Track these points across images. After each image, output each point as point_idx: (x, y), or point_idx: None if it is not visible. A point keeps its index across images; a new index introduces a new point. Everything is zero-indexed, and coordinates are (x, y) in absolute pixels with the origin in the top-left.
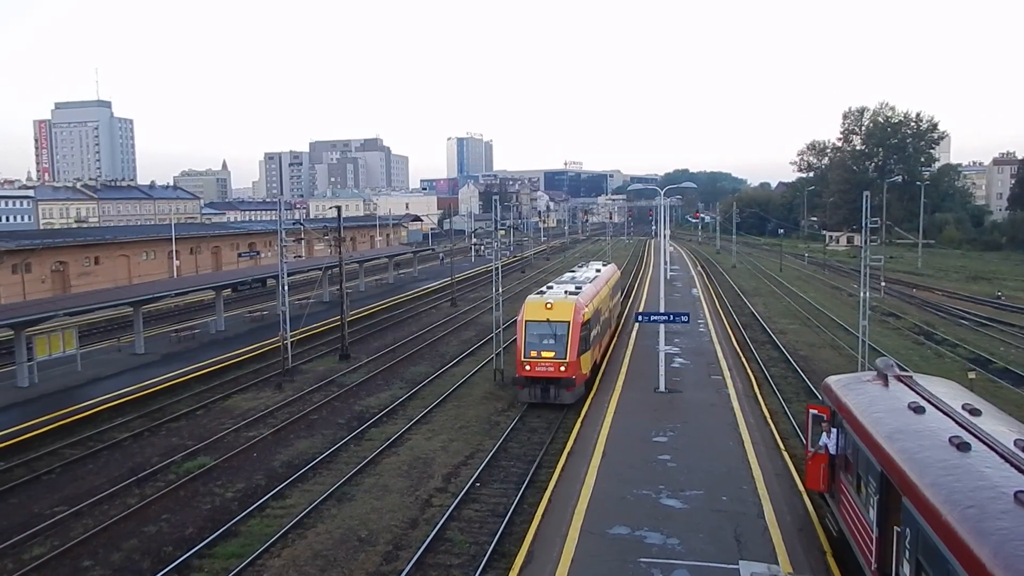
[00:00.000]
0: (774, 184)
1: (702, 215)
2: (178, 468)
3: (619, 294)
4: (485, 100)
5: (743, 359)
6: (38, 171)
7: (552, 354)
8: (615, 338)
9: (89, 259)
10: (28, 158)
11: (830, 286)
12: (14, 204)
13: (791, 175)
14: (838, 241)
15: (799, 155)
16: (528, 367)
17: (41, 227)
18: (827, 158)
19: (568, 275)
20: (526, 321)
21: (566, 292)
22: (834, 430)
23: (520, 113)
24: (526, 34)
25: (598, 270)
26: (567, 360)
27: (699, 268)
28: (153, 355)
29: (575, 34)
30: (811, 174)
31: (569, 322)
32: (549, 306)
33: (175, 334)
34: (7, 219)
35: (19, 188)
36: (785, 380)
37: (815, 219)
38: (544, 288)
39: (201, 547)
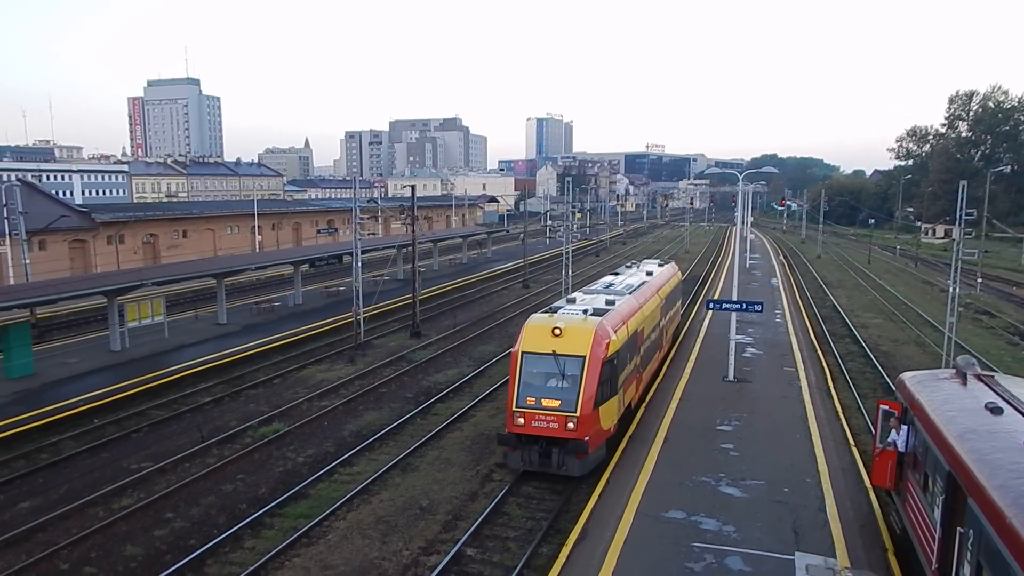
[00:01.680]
0: (868, 172)
1: (788, 202)
2: (254, 432)
3: (678, 303)
4: (566, 80)
5: (819, 352)
6: (132, 147)
7: (557, 403)
8: (672, 353)
9: (178, 232)
10: (123, 134)
11: (921, 280)
12: (110, 178)
13: (887, 163)
14: (933, 233)
15: (898, 141)
16: (521, 419)
17: (134, 200)
18: (928, 145)
19: (607, 280)
20: (523, 353)
21: (588, 311)
22: (904, 427)
23: (602, 94)
24: (609, 13)
25: (649, 273)
26: (578, 413)
27: (781, 257)
28: (234, 325)
29: (661, 12)
30: (910, 162)
31: (585, 357)
32: (558, 332)
33: (255, 306)
34: (104, 192)
35: (114, 163)
36: (862, 375)
37: (911, 210)
38: (565, 301)
39: (273, 506)
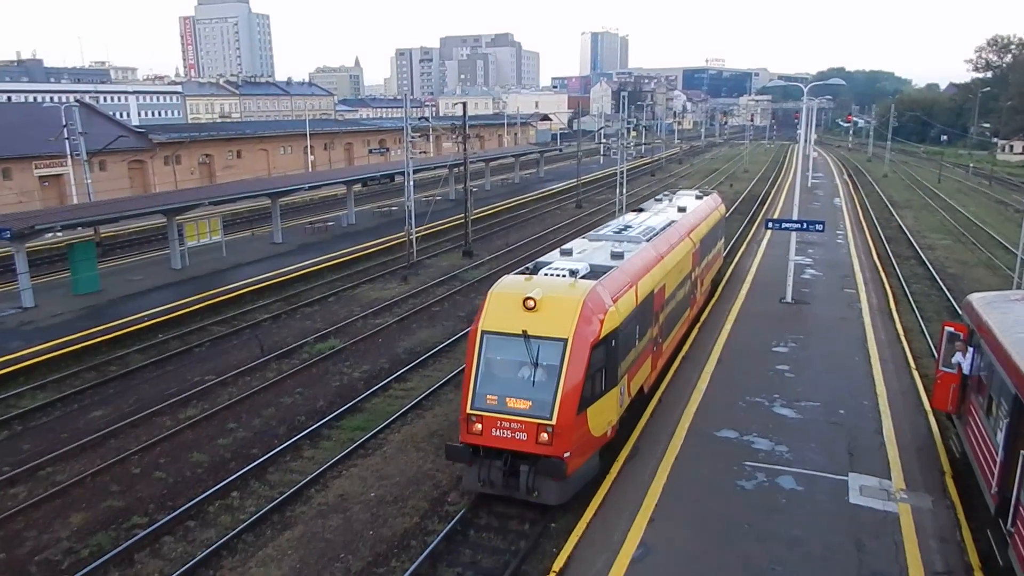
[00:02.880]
0: (943, 86)
1: (855, 118)
2: (311, 348)
3: (719, 244)
4: None
5: (882, 274)
6: (184, 67)
7: (527, 404)
8: (711, 303)
9: (232, 152)
10: (175, 54)
11: (995, 200)
12: (164, 99)
13: (964, 75)
14: (1011, 150)
15: (976, 52)
16: (479, 426)
17: (189, 121)
18: (1011, 55)
19: (624, 220)
20: (483, 333)
21: (578, 272)
22: (970, 349)
23: (659, 6)
24: None
25: (682, 209)
26: (554, 420)
27: (845, 176)
28: (289, 245)
29: None
30: (989, 74)
31: (567, 341)
32: (531, 304)
33: (309, 226)
34: (159, 113)
35: (168, 84)
36: (927, 298)
37: (987, 126)
38: (558, 254)
39: (330, 419)
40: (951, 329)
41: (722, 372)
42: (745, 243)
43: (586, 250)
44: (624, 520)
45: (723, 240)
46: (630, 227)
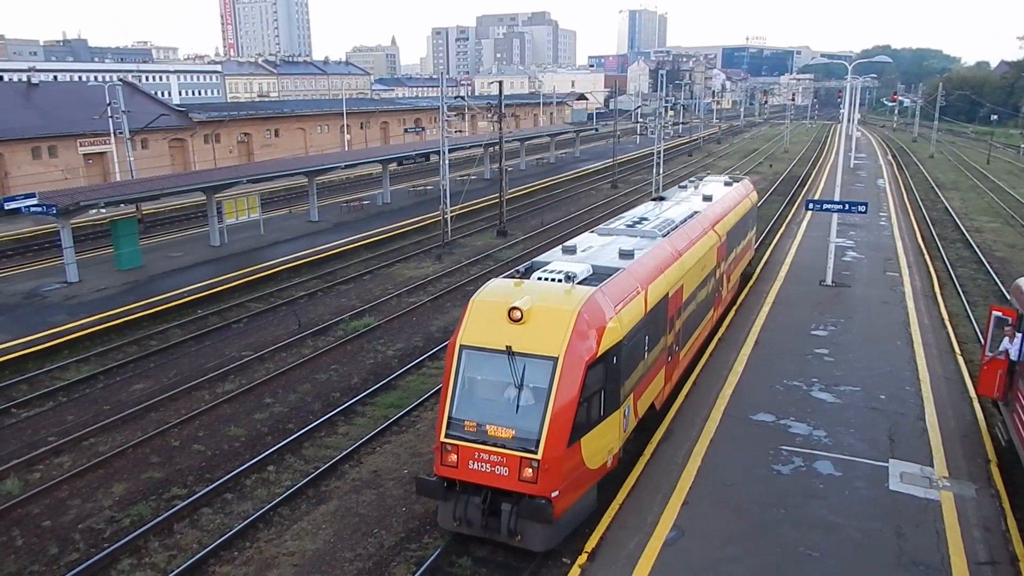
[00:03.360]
0: (994, 64)
1: (900, 97)
2: (346, 326)
3: (749, 235)
4: None
5: (927, 256)
6: (224, 46)
7: (509, 433)
8: (740, 299)
9: (270, 131)
10: (215, 34)
11: None
12: (204, 78)
13: (1017, 53)
14: None
15: None
16: (454, 456)
17: (228, 100)
18: None
19: (641, 210)
20: (462, 348)
21: (575, 276)
22: (1019, 334)
23: None
24: None
25: (708, 198)
26: (540, 454)
27: (890, 157)
28: (325, 223)
29: None
30: None
31: (557, 360)
32: (518, 315)
33: (345, 204)
34: (199, 92)
35: (208, 63)
36: (973, 282)
37: None
38: (560, 252)
39: (364, 395)
40: (999, 314)
41: (759, 355)
42: (784, 224)
43: (592, 247)
44: (657, 502)
45: (754, 230)
46: (646, 219)
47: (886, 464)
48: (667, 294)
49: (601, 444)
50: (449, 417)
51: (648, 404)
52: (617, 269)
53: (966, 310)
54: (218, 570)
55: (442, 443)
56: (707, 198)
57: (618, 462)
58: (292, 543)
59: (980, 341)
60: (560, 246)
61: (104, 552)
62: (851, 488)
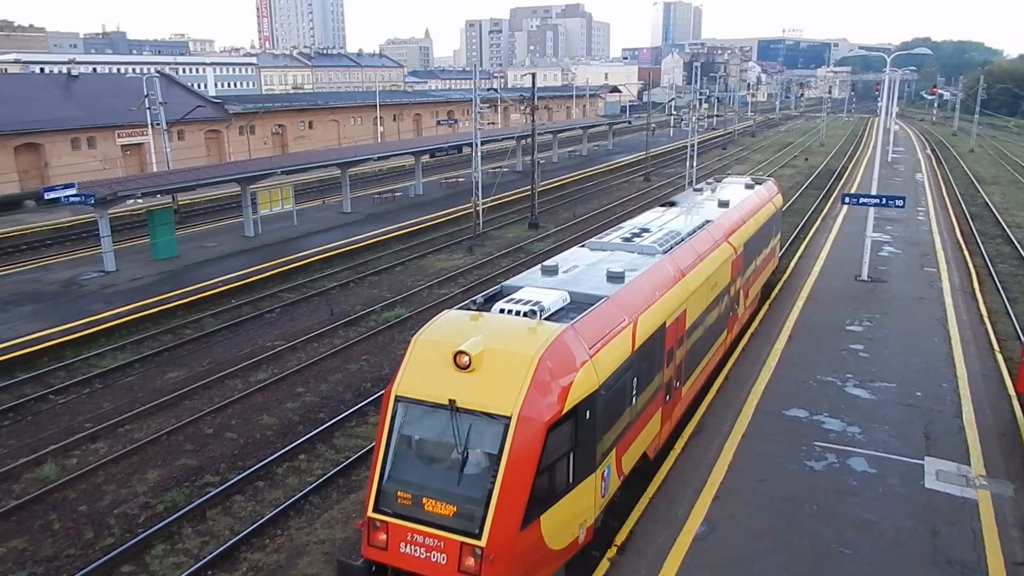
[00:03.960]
0: None
1: (940, 91)
2: (377, 316)
3: (772, 243)
4: None
5: (965, 252)
6: (259, 39)
7: (450, 511)
8: (760, 315)
9: (304, 123)
10: (251, 26)
11: None
12: (240, 71)
13: None
14: None
15: None
16: (382, 536)
17: (263, 92)
18: None
19: (646, 218)
20: (397, 399)
21: (541, 308)
22: None
23: None
24: None
25: (724, 203)
26: (483, 539)
27: (928, 151)
28: (358, 214)
29: None
30: None
31: (510, 420)
32: (465, 360)
33: (378, 196)
34: (235, 84)
35: (244, 56)
36: (1013, 278)
37: None
38: (539, 272)
39: None
40: None
41: (792, 350)
42: (820, 219)
43: (577, 266)
44: (688, 496)
45: (779, 237)
46: (647, 231)
47: (922, 462)
48: (664, 323)
49: (568, 519)
50: (379, 486)
51: (638, 457)
52: (600, 297)
53: (1006, 307)
54: (249, 557)
55: (370, 518)
56: (723, 203)
57: (592, 535)
58: (323, 531)
59: (1020, 338)
60: (540, 265)
61: (138, 537)
62: (885, 485)
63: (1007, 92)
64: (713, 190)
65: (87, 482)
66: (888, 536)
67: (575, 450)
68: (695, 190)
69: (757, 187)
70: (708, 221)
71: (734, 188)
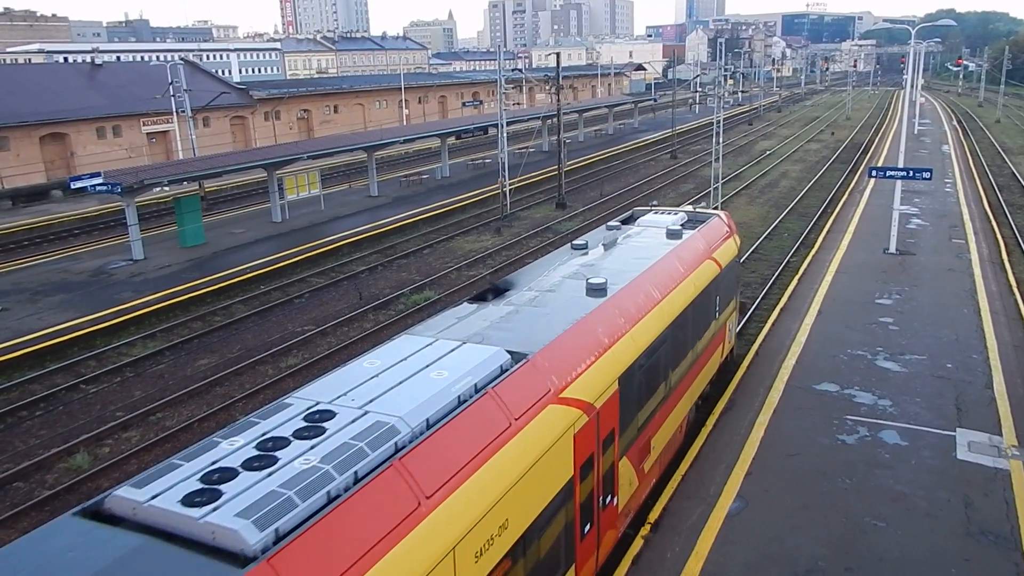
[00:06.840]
0: None
1: (965, 62)
2: (407, 299)
3: (723, 315)
4: None
5: (994, 224)
6: (283, 24)
7: None
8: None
9: (329, 107)
10: (274, 11)
11: None
12: (264, 56)
13: None
14: None
15: None
16: None
17: (287, 77)
18: None
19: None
20: None
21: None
22: None
23: None
24: None
25: (596, 289)
26: None
27: (954, 123)
28: (385, 198)
29: None
30: None
31: None
32: None
33: (404, 179)
34: (259, 70)
35: (267, 41)
36: None
37: None
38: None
39: None
40: None
41: (822, 324)
42: (847, 192)
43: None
44: (720, 473)
45: (735, 303)
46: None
47: (953, 433)
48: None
49: None
50: None
51: None
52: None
53: None
54: None
55: None
56: (596, 290)
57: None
58: None
59: None
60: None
61: None
62: (918, 458)
63: None
64: (604, 246)
65: (120, 471)
66: (921, 508)
67: None
68: (573, 247)
69: (696, 230)
70: (522, 357)
71: (651, 237)
